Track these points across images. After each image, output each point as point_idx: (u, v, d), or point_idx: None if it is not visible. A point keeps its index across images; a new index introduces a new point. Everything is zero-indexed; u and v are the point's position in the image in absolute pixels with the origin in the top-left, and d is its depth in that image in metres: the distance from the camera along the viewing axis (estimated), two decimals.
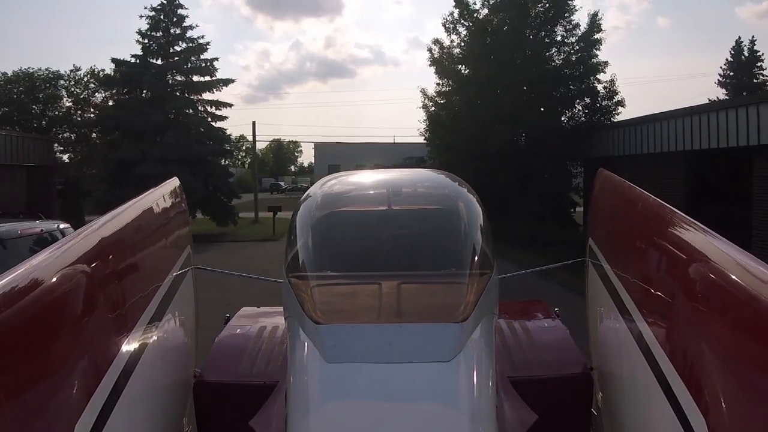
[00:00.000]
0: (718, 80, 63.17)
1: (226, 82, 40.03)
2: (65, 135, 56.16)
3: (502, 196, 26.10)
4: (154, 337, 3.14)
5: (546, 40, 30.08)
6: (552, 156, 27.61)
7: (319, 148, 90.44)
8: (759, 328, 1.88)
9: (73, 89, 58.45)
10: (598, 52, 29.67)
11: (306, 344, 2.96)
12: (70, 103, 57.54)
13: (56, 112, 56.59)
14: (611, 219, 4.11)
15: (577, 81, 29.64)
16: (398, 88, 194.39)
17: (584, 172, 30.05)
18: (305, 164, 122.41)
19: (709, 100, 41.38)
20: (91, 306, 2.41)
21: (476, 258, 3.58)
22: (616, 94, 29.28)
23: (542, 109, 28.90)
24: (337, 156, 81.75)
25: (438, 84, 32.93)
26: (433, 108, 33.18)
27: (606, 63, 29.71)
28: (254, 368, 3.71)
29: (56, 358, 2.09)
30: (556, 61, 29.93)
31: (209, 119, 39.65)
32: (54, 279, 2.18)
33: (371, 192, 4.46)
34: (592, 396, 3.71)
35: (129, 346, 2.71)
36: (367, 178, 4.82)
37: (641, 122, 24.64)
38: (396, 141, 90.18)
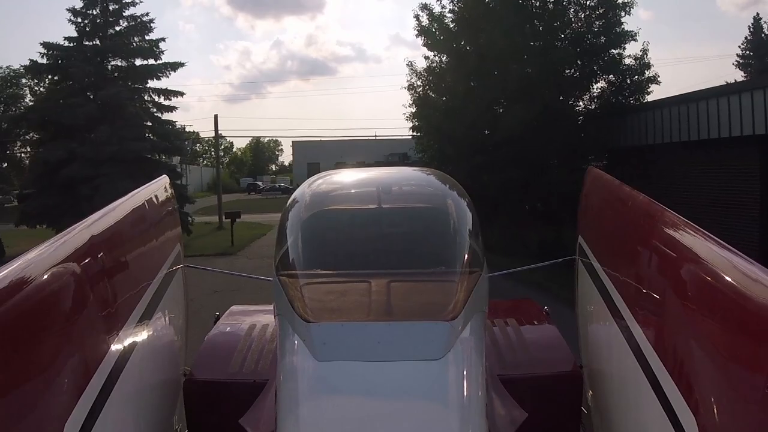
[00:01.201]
0: (737, 62, 56.99)
1: (174, 65, 33.25)
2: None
3: (504, 196, 19.40)
4: (144, 336, 3.09)
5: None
6: (570, 145, 21.27)
7: (298, 146, 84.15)
8: (748, 325, 1.86)
9: (36, 87, 53.26)
10: (625, 21, 23.36)
11: (296, 342, 2.91)
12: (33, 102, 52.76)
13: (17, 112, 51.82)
14: (601, 217, 4.05)
15: (599, 53, 23.15)
16: (380, 84, 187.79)
17: (607, 164, 23.66)
18: (286, 163, 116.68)
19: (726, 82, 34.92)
20: (80, 304, 2.37)
21: (466, 256, 3.50)
22: (648, 67, 22.47)
23: (559, 85, 22.82)
24: (317, 154, 76.82)
25: (428, 59, 26.80)
26: (422, 88, 27.13)
27: (634, 33, 23.16)
28: (244, 366, 3.65)
29: (45, 356, 2.04)
30: (575, 27, 23.61)
31: (155, 110, 32.98)
32: (43, 277, 2.13)
33: (361, 190, 4.37)
34: (582, 394, 3.67)
35: (119, 345, 2.66)
36: (356, 176, 4.73)
37: (688, 100, 19.29)
38: (378, 137, 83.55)
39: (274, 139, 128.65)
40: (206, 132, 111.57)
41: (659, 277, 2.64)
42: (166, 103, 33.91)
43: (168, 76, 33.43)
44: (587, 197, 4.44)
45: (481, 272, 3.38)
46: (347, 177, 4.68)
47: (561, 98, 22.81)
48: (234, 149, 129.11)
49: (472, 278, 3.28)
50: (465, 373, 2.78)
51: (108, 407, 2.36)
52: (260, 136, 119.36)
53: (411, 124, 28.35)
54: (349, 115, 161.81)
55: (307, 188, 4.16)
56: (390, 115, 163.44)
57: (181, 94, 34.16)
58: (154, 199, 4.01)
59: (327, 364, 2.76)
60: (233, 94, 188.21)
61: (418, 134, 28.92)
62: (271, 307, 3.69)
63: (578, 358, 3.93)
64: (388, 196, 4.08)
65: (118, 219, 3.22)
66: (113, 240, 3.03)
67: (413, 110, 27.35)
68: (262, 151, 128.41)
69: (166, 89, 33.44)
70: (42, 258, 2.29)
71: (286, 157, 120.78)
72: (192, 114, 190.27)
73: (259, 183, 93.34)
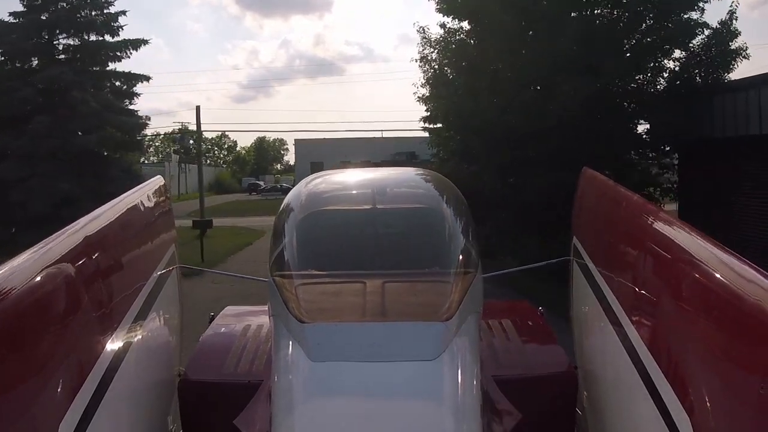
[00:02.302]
0: None
1: (136, 43, 26.81)
2: None
3: (547, 204, 14.88)
4: (139, 336, 3.08)
5: None
6: (634, 137, 15.08)
7: (300, 144, 78.21)
8: (743, 326, 1.85)
9: None
10: None
11: (291, 343, 2.90)
12: None
13: None
14: (595, 218, 4.02)
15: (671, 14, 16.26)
16: (388, 84, 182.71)
17: (678, 162, 18.10)
18: (291, 162, 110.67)
19: None
20: (74, 305, 2.36)
21: (460, 257, 3.49)
22: (735, 36, 16.04)
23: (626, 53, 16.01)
24: (320, 153, 71.56)
25: (444, 27, 19.49)
26: (437, 62, 20.12)
27: None
28: (239, 367, 3.64)
29: (40, 357, 2.03)
30: None
31: (111, 97, 27.29)
32: (37, 278, 2.12)
33: (356, 191, 4.35)
34: (577, 395, 3.65)
35: (113, 345, 2.66)
36: (351, 177, 4.72)
37: None
38: (384, 136, 77.47)
39: (279, 138, 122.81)
40: (205, 132, 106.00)
41: (654, 278, 2.62)
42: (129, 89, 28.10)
43: (129, 57, 27.24)
44: (582, 198, 4.38)
45: (475, 273, 3.36)
46: (342, 178, 4.64)
47: (630, 68, 16.29)
48: (238, 148, 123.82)
49: (467, 279, 3.26)
50: (459, 373, 2.77)
51: (102, 408, 2.33)
52: (264, 135, 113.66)
53: (422, 113, 22.49)
54: (356, 114, 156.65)
55: (302, 189, 4.12)
56: (398, 115, 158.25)
57: (146, 78, 28.10)
58: (149, 200, 3.98)
59: (322, 365, 2.73)
60: (241, 94, 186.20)
61: (432, 124, 22.58)
62: (266, 308, 3.69)
63: (573, 358, 3.89)
64: (383, 197, 4.03)
65: (112, 220, 3.18)
66: (107, 241, 2.99)
67: (426, 91, 20.94)
68: (265, 150, 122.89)
69: (128, 73, 27.30)
70: (35, 259, 2.26)
71: (292, 156, 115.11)
72: (205, 117, 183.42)
73: (261, 183, 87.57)
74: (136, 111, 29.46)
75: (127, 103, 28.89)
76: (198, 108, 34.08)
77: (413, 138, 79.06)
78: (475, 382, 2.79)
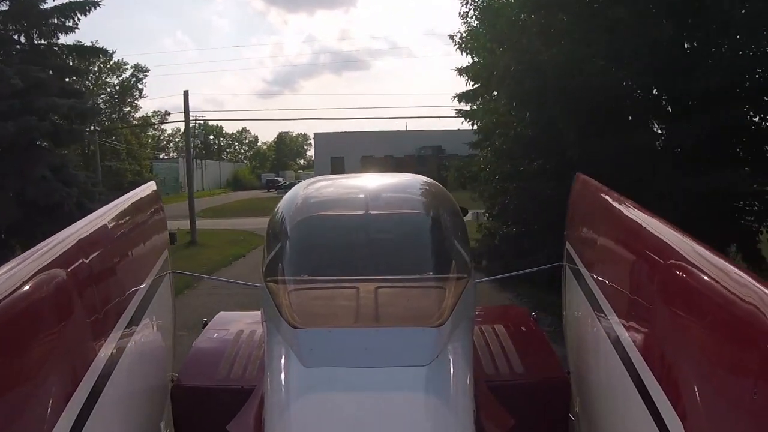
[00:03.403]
0: None
1: (82, 5, 21.00)
2: None
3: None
4: (132, 342, 3.06)
5: None
6: None
7: (320, 138, 73.45)
8: (735, 331, 1.86)
9: None
10: None
11: (283, 348, 2.89)
12: None
13: None
14: (588, 223, 4.00)
15: None
16: (413, 78, 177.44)
17: None
18: (314, 158, 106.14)
19: None
20: (67, 310, 2.34)
21: (453, 262, 3.51)
22: None
23: None
24: (341, 147, 66.46)
25: None
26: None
27: None
28: (232, 372, 3.65)
29: (32, 363, 2.02)
30: None
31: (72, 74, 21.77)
32: (29, 283, 2.10)
33: (349, 196, 4.32)
34: (570, 400, 3.65)
35: (106, 351, 2.64)
36: (345, 182, 4.76)
37: None
38: (408, 129, 72.70)
39: (302, 133, 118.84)
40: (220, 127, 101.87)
41: (646, 283, 2.61)
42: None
43: (77, 25, 21.28)
44: (574, 203, 4.38)
45: (468, 278, 3.35)
46: (336, 183, 4.64)
47: None
48: (259, 143, 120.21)
49: (460, 284, 3.25)
50: (452, 379, 2.77)
51: (95, 413, 2.32)
52: (287, 131, 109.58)
53: (454, 105, 18.27)
54: (380, 110, 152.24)
55: (295, 194, 4.11)
56: (424, 111, 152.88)
57: (103, 52, 22.75)
58: (142, 205, 3.97)
59: (314, 370, 2.73)
60: (265, 89, 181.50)
61: (476, 86, 17.12)
62: (258, 314, 3.68)
63: (565, 364, 3.89)
64: (376, 203, 4.01)
65: (106, 224, 3.17)
66: (100, 246, 2.96)
67: (469, 58, 16.23)
68: (286, 145, 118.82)
69: (78, 46, 22.09)
70: (28, 264, 2.24)
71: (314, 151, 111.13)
72: (227, 108, 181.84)
73: (280, 179, 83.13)
74: (82, 91, 23.41)
75: (81, 84, 23.06)
76: (186, 93, 28.67)
77: (439, 131, 73.81)
78: (468, 388, 2.77)
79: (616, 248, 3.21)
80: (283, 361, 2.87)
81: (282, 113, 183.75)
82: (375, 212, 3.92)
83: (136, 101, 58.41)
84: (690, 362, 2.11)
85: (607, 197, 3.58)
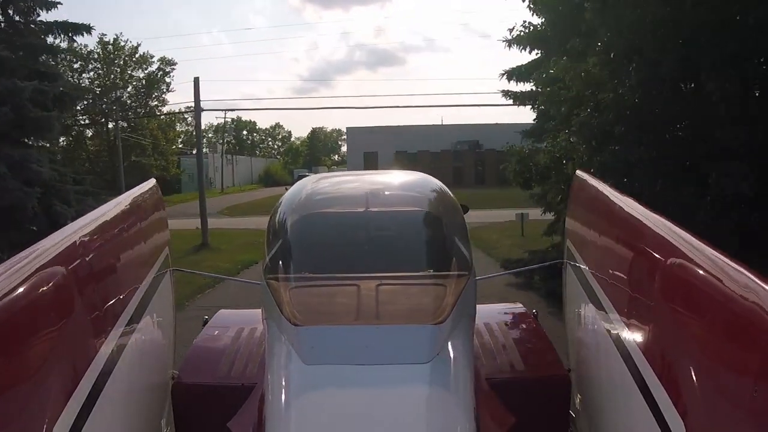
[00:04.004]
0: None
1: None
2: None
3: None
4: (133, 339, 3.06)
5: None
6: None
7: (353, 133, 71.19)
8: (736, 329, 1.86)
9: None
10: None
11: (284, 346, 2.89)
12: None
13: None
14: (588, 221, 4.00)
15: None
16: (449, 73, 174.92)
17: None
18: (347, 153, 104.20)
19: None
20: (68, 308, 2.35)
21: (454, 260, 3.50)
22: None
23: None
24: (374, 142, 64.11)
25: None
26: None
27: None
28: (232, 370, 3.63)
29: (34, 360, 2.03)
30: None
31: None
32: (30, 280, 2.10)
33: (349, 194, 4.32)
34: (570, 397, 3.65)
35: (107, 348, 2.64)
36: (345, 179, 4.78)
37: None
38: (444, 123, 70.02)
39: (336, 128, 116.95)
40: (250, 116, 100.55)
41: (646, 281, 2.59)
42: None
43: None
44: (574, 201, 4.38)
45: (469, 276, 3.33)
46: (336, 180, 4.69)
47: None
48: (292, 138, 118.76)
49: (460, 282, 3.24)
50: (453, 376, 2.76)
51: (96, 410, 2.32)
52: (321, 126, 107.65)
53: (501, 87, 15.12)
54: (415, 96, 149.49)
55: (295, 192, 4.12)
56: (460, 102, 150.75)
57: (86, 29, 19.64)
58: (143, 203, 3.95)
59: (315, 368, 2.72)
60: (301, 86, 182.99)
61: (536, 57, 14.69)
62: (259, 312, 3.68)
63: (566, 361, 3.89)
64: (377, 200, 3.99)
65: (107, 222, 3.16)
66: (101, 243, 2.97)
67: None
68: (320, 140, 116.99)
69: (63, 22, 19.18)
70: (29, 261, 2.23)
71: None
72: (264, 104, 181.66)
73: (309, 174, 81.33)
74: (60, 70, 19.36)
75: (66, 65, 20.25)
76: (196, 80, 25.95)
77: (477, 125, 70.32)
78: (468, 385, 2.76)
79: (616, 245, 3.18)
80: (283, 358, 2.86)
81: (310, 102, 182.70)
82: (375, 209, 3.90)
83: (163, 95, 56.53)
84: (690, 359, 2.09)
85: (606, 194, 3.56)
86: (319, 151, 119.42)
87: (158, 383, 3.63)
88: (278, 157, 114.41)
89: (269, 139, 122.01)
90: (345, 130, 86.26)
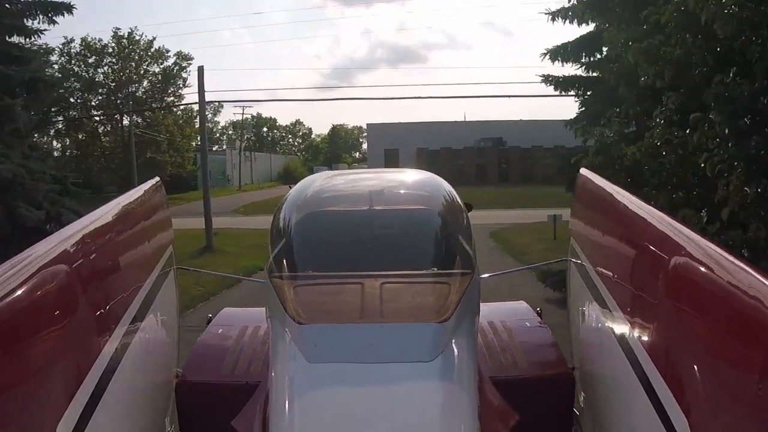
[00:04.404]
0: None
1: None
2: None
3: None
4: (136, 337, 3.09)
5: None
6: None
7: (374, 129, 69.62)
8: (740, 326, 1.88)
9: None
10: None
11: (288, 344, 2.91)
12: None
13: None
14: (592, 219, 4.02)
15: None
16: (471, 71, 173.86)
17: None
18: (367, 150, 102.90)
19: None
20: (72, 306, 2.36)
21: (458, 258, 3.53)
22: None
23: None
24: (395, 139, 62.69)
25: None
26: None
27: None
28: (236, 368, 3.66)
29: (37, 358, 2.04)
30: None
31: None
32: (34, 279, 2.12)
33: (352, 192, 4.35)
34: (574, 396, 3.68)
35: (111, 347, 2.67)
36: (349, 178, 4.83)
37: None
38: (467, 120, 68.25)
39: (357, 125, 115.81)
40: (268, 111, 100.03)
41: (650, 279, 2.59)
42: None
43: None
44: (578, 199, 4.39)
45: (473, 274, 3.34)
46: (340, 179, 4.69)
47: None
48: (313, 135, 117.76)
49: (464, 280, 3.25)
50: (457, 374, 2.77)
51: (100, 409, 2.34)
52: (341, 123, 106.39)
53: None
54: (439, 101, 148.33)
55: (299, 190, 4.15)
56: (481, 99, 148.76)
57: (67, 8, 17.91)
58: (147, 201, 3.98)
59: (319, 366, 2.74)
60: (322, 83, 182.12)
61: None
62: (263, 310, 3.69)
63: (570, 359, 3.92)
64: (380, 198, 4.01)
65: (110, 220, 3.18)
66: (104, 242, 3.00)
67: None
68: (340, 137, 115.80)
69: (41, 1, 17.55)
70: (33, 259, 2.24)
71: None
72: (284, 104, 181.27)
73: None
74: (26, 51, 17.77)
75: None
76: (200, 69, 24.23)
77: (500, 122, 68.16)
78: (472, 383, 2.78)
79: (620, 243, 3.21)
80: (287, 356, 2.88)
81: (329, 95, 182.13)
82: (379, 208, 3.92)
83: (179, 90, 55.38)
84: (694, 357, 2.11)
85: (610, 192, 3.59)
86: (339, 148, 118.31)
87: (162, 381, 3.65)
88: (298, 154, 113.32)
89: (289, 136, 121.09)
90: (365, 127, 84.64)
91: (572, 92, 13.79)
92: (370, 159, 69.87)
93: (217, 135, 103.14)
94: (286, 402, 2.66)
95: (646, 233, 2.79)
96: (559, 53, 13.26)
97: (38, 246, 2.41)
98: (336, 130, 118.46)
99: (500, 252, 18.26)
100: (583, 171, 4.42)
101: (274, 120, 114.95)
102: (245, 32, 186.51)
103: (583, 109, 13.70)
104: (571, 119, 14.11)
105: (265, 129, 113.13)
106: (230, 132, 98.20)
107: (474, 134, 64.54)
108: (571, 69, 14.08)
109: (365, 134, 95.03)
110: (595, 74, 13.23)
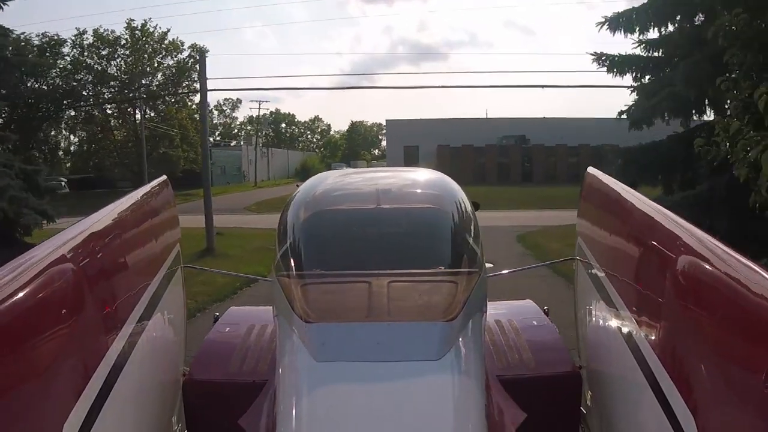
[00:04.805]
0: None
1: None
2: None
3: None
4: (143, 336, 3.11)
5: None
6: None
7: (393, 126, 68.19)
8: (747, 325, 1.90)
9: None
10: None
11: (295, 343, 2.93)
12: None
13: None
14: (599, 217, 4.05)
15: None
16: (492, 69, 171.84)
17: None
18: (386, 146, 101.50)
19: None
20: (79, 304, 2.39)
21: (465, 257, 3.54)
22: None
23: None
24: (415, 135, 61.47)
25: None
26: None
27: None
28: (243, 367, 3.68)
29: (44, 357, 2.05)
30: None
31: None
32: (40, 276, 2.15)
33: (360, 190, 4.36)
34: (581, 394, 3.70)
35: (118, 345, 2.70)
36: (356, 176, 4.84)
37: None
38: (489, 116, 66.72)
39: (377, 122, 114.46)
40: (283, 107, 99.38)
41: (657, 278, 2.59)
42: None
43: None
44: (586, 198, 4.40)
45: (480, 273, 3.36)
46: (347, 178, 4.72)
47: None
48: (331, 132, 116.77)
49: (471, 278, 3.26)
50: (464, 373, 2.79)
51: (107, 408, 2.36)
52: (361, 120, 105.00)
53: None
54: (461, 100, 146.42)
55: (306, 189, 4.18)
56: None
57: None
58: (154, 199, 4.02)
59: (326, 365, 2.75)
60: (343, 80, 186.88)
61: None
62: (270, 309, 3.71)
63: (577, 358, 3.96)
64: (387, 197, 4.02)
65: (118, 218, 3.21)
66: (112, 239, 3.02)
67: None
68: (359, 134, 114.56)
69: None
70: (39, 257, 2.27)
71: None
72: (304, 101, 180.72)
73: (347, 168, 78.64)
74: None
75: None
76: (202, 53, 22.56)
77: (523, 119, 66.28)
78: (479, 382, 2.79)
79: (627, 242, 3.22)
80: (294, 355, 2.90)
81: (349, 91, 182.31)
82: (386, 206, 3.93)
83: (194, 83, 54.10)
84: (702, 357, 2.13)
85: (618, 191, 3.60)
86: (358, 145, 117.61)
87: (169, 380, 3.68)
88: (316, 150, 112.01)
89: (308, 132, 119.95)
90: (385, 124, 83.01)
91: (628, 74, 11.92)
92: (389, 156, 68.40)
93: (236, 131, 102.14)
94: (294, 401, 2.68)
95: (653, 232, 2.81)
96: (621, 21, 11.18)
97: (44, 244, 2.45)
98: (355, 127, 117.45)
99: (532, 260, 16.46)
100: (591, 170, 4.37)
101: (293, 116, 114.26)
102: (268, 30, 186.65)
103: (637, 96, 11.72)
104: (626, 108, 12.23)
105: (283, 125, 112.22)
106: (249, 128, 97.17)
107: (496, 131, 63.05)
108: (626, 45, 12.07)
109: (384, 131, 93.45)
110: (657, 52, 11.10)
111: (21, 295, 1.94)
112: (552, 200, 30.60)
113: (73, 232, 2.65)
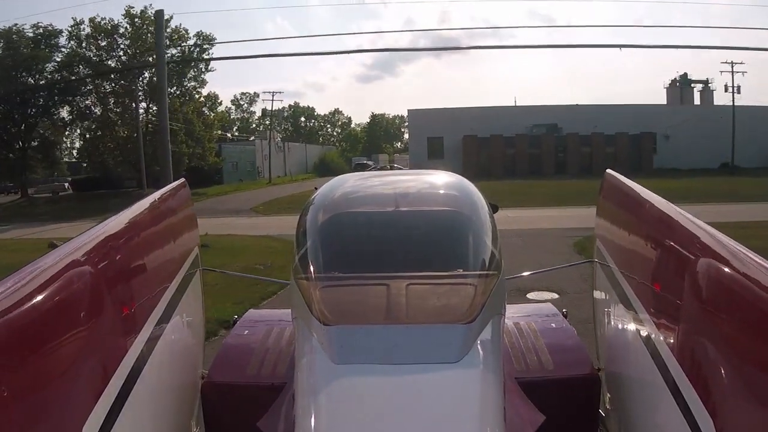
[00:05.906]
0: None
1: None
2: None
3: None
4: (162, 339, 3.18)
5: None
6: None
7: (415, 116, 64.65)
8: (766, 327, 1.93)
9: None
10: None
11: (313, 345, 2.98)
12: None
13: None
14: (618, 220, 4.07)
15: None
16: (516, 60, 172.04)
17: None
18: (408, 138, 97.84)
19: None
20: (98, 307, 2.46)
21: (484, 259, 3.57)
22: None
23: None
24: (438, 126, 58.09)
25: None
26: None
27: None
28: (262, 369, 3.73)
29: (64, 359, 2.12)
30: None
31: None
32: (61, 279, 2.23)
33: (378, 193, 4.40)
34: (600, 397, 3.74)
35: (137, 348, 2.77)
36: (375, 179, 4.84)
37: None
38: (518, 104, 62.54)
39: (399, 114, 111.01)
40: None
41: (676, 280, 2.65)
42: None
43: None
44: (604, 200, 4.43)
45: (498, 275, 3.42)
46: (366, 180, 4.75)
47: None
48: (352, 125, 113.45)
49: (490, 281, 3.31)
50: (482, 375, 2.82)
51: (126, 410, 2.43)
52: (383, 112, 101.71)
53: None
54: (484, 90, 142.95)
55: (324, 192, 4.26)
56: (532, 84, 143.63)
57: None
58: (172, 201, 4.07)
59: (345, 367, 2.78)
60: (365, 74, 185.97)
61: None
62: (288, 311, 3.77)
63: (596, 360, 4.00)
64: (406, 199, 4.08)
65: (136, 221, 3.28)
66: (131, 242, 3.09)
67: None
68: (380, 127, 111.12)
69: None
70: (59, 260, 2.34)
71: None
72: (327, 93, 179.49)
73: (371, 163, 74.93)
74: None
75: None
76: (159, 14, 20.16)
77: (555, 107, 61.47)
78: (498, 385, 2.83)
79: (646, 245, 3.25)
80: (313, 357, 2.94)
81: (371, 88, 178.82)
82: (405, 209, 3.96)
83: (202, 74, 51.04)
84: (721, 359, 2.17)
85: (637, 193, 3.63)
86: (379, 138, 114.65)
87: (188, 383, 3.75)
88: (336, 144, 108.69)
89: (328, 125, 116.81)
90: (406, 115, 79.20)
91: None
92: (412, 149, 65.10)
93: (253, 125, 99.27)
94: (312, 403, 2.72)
95: (672, 234, 2.86)
96: None
97: (63, 247, 2.51)
98: (376, 119, 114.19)
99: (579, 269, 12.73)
100: (610, 171, 4.34)
101: (312, 109, 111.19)
102: (287, 24, 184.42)
103: None
104: None
105: (302, 119, 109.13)
106: (267, 122, 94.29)
107: (525, 120, 59.23)
108: None
109: (407, 123, 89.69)
110: None
111: (40, 298, 2.01)
112: (592, 195, 26.85)
113: (91, 235, 2.74)
